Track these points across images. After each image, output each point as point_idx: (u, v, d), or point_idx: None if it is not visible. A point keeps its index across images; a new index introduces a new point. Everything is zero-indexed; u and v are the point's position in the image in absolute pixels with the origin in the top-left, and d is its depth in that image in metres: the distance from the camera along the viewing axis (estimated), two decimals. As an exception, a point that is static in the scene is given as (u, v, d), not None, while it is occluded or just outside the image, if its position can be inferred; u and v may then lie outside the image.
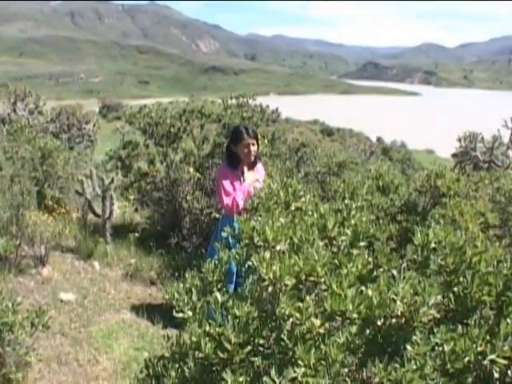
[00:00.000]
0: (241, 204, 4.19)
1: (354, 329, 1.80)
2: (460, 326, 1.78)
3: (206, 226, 6.25)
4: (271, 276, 1.79)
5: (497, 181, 5.77)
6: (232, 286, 3.78)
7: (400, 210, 4.68)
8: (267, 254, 1.85)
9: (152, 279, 5.61)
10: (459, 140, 12.82)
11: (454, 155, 14.40)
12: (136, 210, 7.42)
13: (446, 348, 1.70)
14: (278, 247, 2.00)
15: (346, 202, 2.38)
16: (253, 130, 4.27)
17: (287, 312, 1.73)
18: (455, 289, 1.96)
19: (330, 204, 2.36)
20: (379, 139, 46.18)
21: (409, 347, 1.71)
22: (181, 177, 6.50)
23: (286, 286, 1.79)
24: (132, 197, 6.96)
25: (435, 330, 1.78)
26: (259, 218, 2.16)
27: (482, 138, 12.42)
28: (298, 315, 1.71)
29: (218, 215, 5.74)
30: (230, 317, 1.82)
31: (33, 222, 5.03)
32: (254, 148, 4.23)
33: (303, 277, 1.86)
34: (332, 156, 7.09)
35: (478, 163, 12.23)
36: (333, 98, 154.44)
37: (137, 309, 4.84)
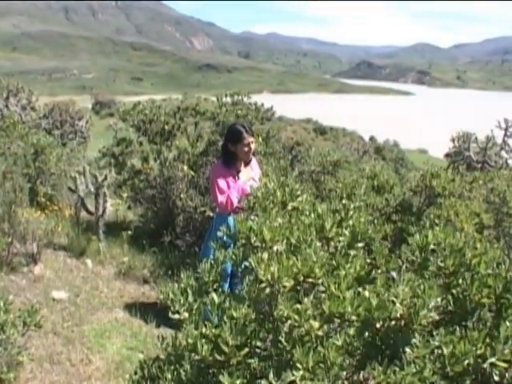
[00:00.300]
0: (235, 202, 4.17)
1: (351, 331, 1.77)
2: (459, 329, 1.77)
3: (199, 225, 6.22)
4: (269, 277, 1.76)
5: (491, 181, 5.77)
6: (226, 286, 3.76)
7: (395, 209, 4.67)
8: (265, 255, 1.82)
9: (145, 277, 5.57)
10: (453, 140, 12.85)
11: (446, 155, 14.45)
12: (129, 207, 7.37)
13: (446, 351, 1.68)
14: (275, 248, 1.98)
15: (344, 202, 2.36)
16: (250, 128, 4.26)
17: (285, 314, 1.70)
18: (454, 291, 1.95)
19: (327, 204, 2.34)
20: (372, 138, 46.26)
21: (408, 350, 1.69)
22: (175, 175, 6.45)
23: (284, 287, 1.76)
24: (125, 194, 6.91)
25: (434, 332, 1.76)
26: (256, 218, 2.14)
27: (476, 138, 12.46)
28: (296, 317, 1.68)
29: (212, 213, 5.71)
30: (226, 318, 1.79)
31: (25, 220, 4.98)
32: (253, 146, 4.23)
33: (301, 278, 1.83)
34: (326, 155, 7.06)
35: (472, 163, 12.27)
36: (326, 97, 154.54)
37: (130, 307, 4.79)
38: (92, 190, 6.04)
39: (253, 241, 2.01)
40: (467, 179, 5.95)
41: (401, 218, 4.60)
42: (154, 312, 4.61)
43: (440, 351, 1.71)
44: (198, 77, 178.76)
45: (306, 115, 55.93)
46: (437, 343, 1.71)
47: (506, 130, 13.05)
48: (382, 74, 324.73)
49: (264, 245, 1.97)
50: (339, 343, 1.71)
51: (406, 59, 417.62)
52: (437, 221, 4.17)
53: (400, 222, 4.53)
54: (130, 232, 6.29)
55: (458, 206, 4.34)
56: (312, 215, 2.25)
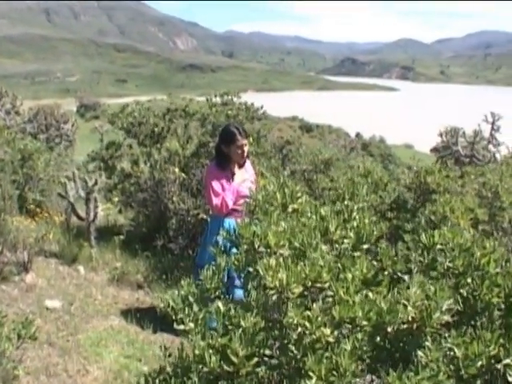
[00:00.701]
0: (230, 204, 4.12)
1: (360, 335, 1.73)
2: (470, 330, 1.73)
3: (192, 227, 6.16)
4: (277, 284, 1.71)
5: (482, 176, 5.77)
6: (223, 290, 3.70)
7: (390, 207, 4.65)
8: (273, 261, 1.77)
9: (139, 282, 5.49)
10: (441, 135, 12.90)
11: (433, 150, 14.51)
12: (120, 211, 7.27)
13: (459, 353, 1.64)
14: (280, 252, 1.93)
15: (346, 203, 2.32)
16: (244, 130, 4.20)
17: (295, 321, 1.65)
18: (462, 291, 1.91)
19: (330, 206, 2.29)
20: (358, 135, 46.43)
21: (420, 353, 1.65)
22: (166, 177, 6.37)
23: (293, 293, 1.71)
24: (116, 198, 6.81)
25: (446, 334, 1.73)
26: (258, 222, 2.09)
27: (464, 132, 12.52)
28: (307, 324, 1.63)
29: (205, 216, 5.65)
30: (233, 327, 1.74)
31: (15, 228, 4.88)
32: (246, 148, 4.18)
33: (309, 283, 1.79)
34: (318, 153, 7.03)
35: (460, 158, 12.32)
36: (311, 95, 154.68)
37: (125, 314, 4.71)
38: (82, 195, 5.94)
39: (256, 246, 1.95)
40: (457, 174, 5.95)
41: (396, 216, 4.58)
42: (150, 317, 4.52)
43: (452, 353, 1.67)
44: (183, 77, 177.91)
45: (292, 113, 55.86)
46: (449, 345, 1.67)
47: (492, 123, 13.12)
48: (366, 70, 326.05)
49: (269, 250, 1.92)
50: (348, 348, 1.67)
51: (389, 55, 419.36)
52: (432, 217, 4.15)
53: (395, 220, 4.51)
54: (121, 237, 6.20)
55: (453, 202, 4.32)
56: (313, 217, 2.20)
